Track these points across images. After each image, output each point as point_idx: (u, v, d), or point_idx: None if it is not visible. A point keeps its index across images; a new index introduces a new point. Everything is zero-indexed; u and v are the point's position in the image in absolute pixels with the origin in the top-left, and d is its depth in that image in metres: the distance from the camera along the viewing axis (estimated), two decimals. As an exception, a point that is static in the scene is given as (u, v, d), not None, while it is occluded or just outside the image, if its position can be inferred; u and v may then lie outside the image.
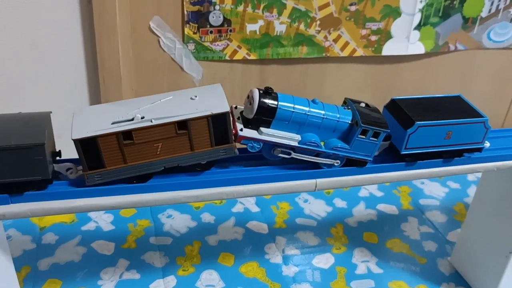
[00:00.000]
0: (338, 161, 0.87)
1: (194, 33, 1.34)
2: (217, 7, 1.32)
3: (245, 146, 0.83)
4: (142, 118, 0.75)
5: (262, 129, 0.82)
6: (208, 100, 0.79)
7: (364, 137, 0.85)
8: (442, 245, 1.31)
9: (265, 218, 1.37)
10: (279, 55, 1.43)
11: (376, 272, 1.20)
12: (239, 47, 1.39)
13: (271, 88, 0.82)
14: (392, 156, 0.92)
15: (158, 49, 1.33)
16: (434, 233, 1.35)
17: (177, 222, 1.33)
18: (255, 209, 1.41)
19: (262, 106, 0.80)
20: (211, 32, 1.35)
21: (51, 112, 0.80)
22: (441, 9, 1.50)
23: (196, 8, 1.31)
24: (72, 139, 0.73)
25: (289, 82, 1.50)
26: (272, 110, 0.81)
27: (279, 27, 1.39)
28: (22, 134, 0.73)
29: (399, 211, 1.44)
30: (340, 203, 1.46)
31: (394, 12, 1.46)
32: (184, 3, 1.29)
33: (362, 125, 0.83)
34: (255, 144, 0.83)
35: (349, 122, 0.86)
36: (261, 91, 0.81)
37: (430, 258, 1.26)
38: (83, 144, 0.73)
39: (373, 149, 0.87)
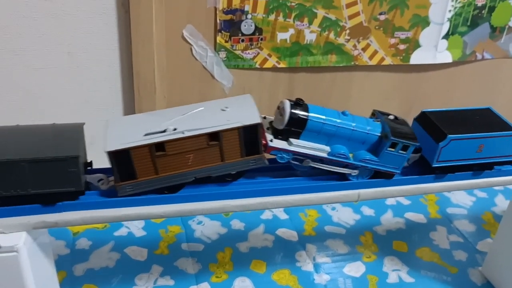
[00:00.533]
0: (356, 171, 0.87)
1: (226, 41, 1.35)
2: (249, 16, 1.33)
3: (273, 157, 0.84)
4: (174, 129, 0.76)
5: (292, 140, 0.83)
6: (239, 111, 0.80)
7: (393, 150, 0.85)
8: (472, 254, 1.31)
9: (294, 226, 1.38)
10: (308, 64, 1.44)
11: (407, 281, 1.20)
12: (269, 55, 1.40)
13: (302, 100, 0.83)
14: (423, 169, 0.92)
15: (190, 57, 1.34)
16: (464, 242, 1.35)
17: (208, 228, 1.34)
18: (283, 216, 1.42)
19: (293, 118, 0.81)
20: (242, 40, 1.36)
21: (84, 123, 0.81)
22: (469, 19, 1.50)
23: (228, 17, 1.32)
24: (106, 152, 0.74)
25: (317, 90, 1.51)
26: (303, 122, 0.81)
27: (309, 36, 1.40)
28: (56, 145, 0.74)
29: (427, 219, 1.44)
30: (367, 211, 1.46)
31: (423, 22, 1.46)
32: (217, 12, 1.30)
33: (392, 138, 0.84)
34: (285, 155, 0.83)
35: (379, 134, 0.86)
36: (292, 103, 0.82)
37: (461, 268, 1.26)
38: (116, 156, 0.74)
39: (401, 162, 0.87)
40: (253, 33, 1.36)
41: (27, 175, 0.72)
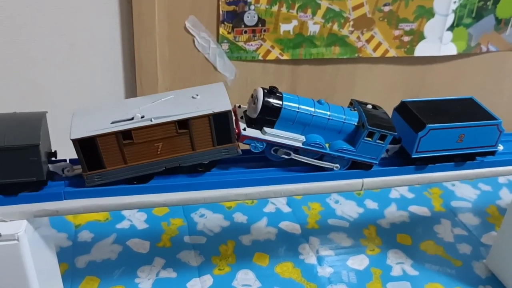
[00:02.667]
0: (337, 165, 0.85)
1: (229, 33, 1.34)
2: (252, 7, 1.32)
3: (247, 147, 0.82)
4: (142, 117, 0.74)
5: (265, 129, 0.81)
6: (210, 99, 0.78)
7: (370, 139, 0.83)
8: (476, 247, 1.29)
9: (297, 219, 1.37)
10: (311, 56, 1.43)
11: (411, 274, 1.19)
12: (272, 47, 1.39)
13: (276, 88, 0.81)
14: (403, 160, 0.90)
15: (192, 49, 1.34)
16: (468, 235, 1.34)
17: (210, 221, 1.34)
18: (286, 209, 1.41)
19: (266, 106, 0.79)
20: (245, 32, 1.35)
21: (46, 112, 0.79)
22: (474, 10, 1.49)
23: (231, 8, 1.31)
24: (71, 139, 0.72)
25: (321, 82, 1.50)
26: (277, 110, 0.80)
27: (313, 27, 1.39)
28: (16, 134, 0.71)
29: (431, 213, 1.43)
30: (371, 204, 1.45)
31: (427, 13, 1.45)
32: (220, 3, 1.29)
33: (369, 127, 0.82)
34: (258, 144, 0.81)
35: (355, 124, 0.84)
36: (265, 90, 0.80)
37: (465, 261, 1.25)
38: (82, 144, 0.72)
39: (379, 152, 0.85)
40: (256, 25, 1.35)
41: None
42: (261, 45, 1.38)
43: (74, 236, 1.25)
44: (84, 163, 0.74)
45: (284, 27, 1.37)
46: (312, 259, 1.23)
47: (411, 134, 0.87)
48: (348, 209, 1.43)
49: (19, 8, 1.15)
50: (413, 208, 1.44)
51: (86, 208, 0.76)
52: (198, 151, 0.78)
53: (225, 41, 1.35)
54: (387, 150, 0.91)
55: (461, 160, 0.91)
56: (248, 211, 1.39)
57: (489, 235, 1.34)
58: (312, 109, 0.82)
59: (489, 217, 1.42)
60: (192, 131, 0.75)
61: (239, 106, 0.85)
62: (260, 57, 1.40)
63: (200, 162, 0.80)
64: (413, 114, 0.88)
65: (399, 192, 1.51)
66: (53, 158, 0.80)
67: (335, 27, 1.41)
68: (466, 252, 1.28)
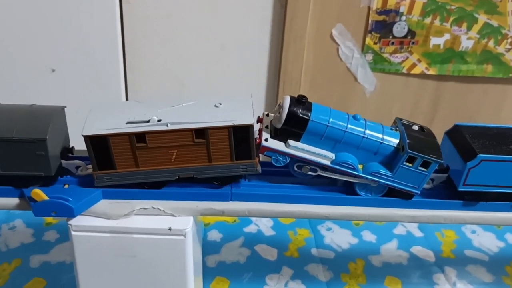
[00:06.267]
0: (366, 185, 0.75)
1: (375, 43, 1.29)
2: (403, 17, 1.26)
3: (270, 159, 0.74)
4: (159, 121, 0.69)
5: (290, 141, 0.73)
6: (233, 109, 0.72)
7: (410, 165, 0.72)
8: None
9: (430, 245, 1.28)
10: (460, 72, 1.34)
11: None
12: (419, 60, 1.32)
13: (305, 97, 0.72)
14: (449, 192, 0.77)
15: (335, 57, 1.30)
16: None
17: (337, 236, 1.29)
18: (418, 233, 1.32)
19: (291, 116, 0.71)
20: (392, 43, 1.29)
21: (65, 106, 0.76)
22: None
23: (381, 17, 1.26)
24: (82, 135, 0.69)
25: (466, 102, 1.40)
26: (303, 122, 0.71)
27: (466, 43, 1.30)
28: (26, 127, 0.69)
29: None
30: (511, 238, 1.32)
31: None
32: (370, 12, 1.25)
33: (409, 151, 0.71)
34: (281, 158, 0.73)
35: (395, 146, 0.73)
36: (293, 99, 0.72)
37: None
38: (93, 141, 0.69)
39: (421, 180, 0.73)
40: (405, 36, 1.29)
41: None
42: (407, 57, 1.32)
43: (204, 234, 1.26)
44: (95, 162, 0.71)
45: (435, 41, 1.30)
46: (448, 292, 1.13)
47: (460, 163, 0.74)
48: (487, 242, 1.31)
49: (175, 9, 1.18)
50: None
51: (250, 212, 0.75)
52: (214, 164, 0.72)
53: (370, 51, 1.30)
54: (432, 180, 0.80)
55: None
56: (377, 230, 1.32)
57: (498, 298, 1.13)
58: (345, 125, 0.73)
59: (506, 276, 1.19)
60: (210, 141, 0.70)
61: (267, 114, 0.78)
62: (404, 70, 1.33)
63: (215, 176, 0.74)
64: (465, 141, 0.75)
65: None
66: (70, 155, 0.78)
67: (491, 43, 1.30)
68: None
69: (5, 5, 1.11)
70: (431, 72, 1.33)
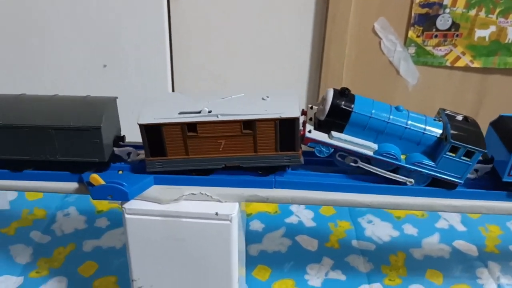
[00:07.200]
0: (412, 180, 0.76)
1: (418, 36, 1.29)
2: (447, 10, 1.25)
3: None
4: (210, 112, 0.73)
5: (333, 133, 0.75)
6: (279, 103, 0.75)
7: (453, 155, 0.72)
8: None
9: (473, 239, 1.27)
10: (506, 65, 1.31)
11: None
12: (463, 53, 1.31)
13: (348, 89, 0.73)
14: (493, 183, 0.76)
15: (377, 51, 1.31)
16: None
17: (378, 229, 1.29)
18: (461, 227, 1.31)
19: (335, 108, 0.73)
20: (435, 36, 1.29)
21: (117, 97, 0.81)
22: None
23: (424, 10, 1.25)
24: (138, 124, 0.73)
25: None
26: (346, 113, 0.73)
27: (512, 35, 1.28)
28: (82, 116, 0.75)
29: None
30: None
31: None
32: (413, 5, 1.25)
33: (452, 141, 0.71)
34: (324, 149, 0.75)
35: (438, 136, 0.74)
36: (336, 91, 0.73)
37: None
38: (148, 130, 0.74)
39: (464, 170, 0.73)
40: (449, 29, 1.28)
41: (55, 142, 0.75)
42: (451, 50, 1.30)
43: (246, 224, 1.30)
44: (148, 149, 0.76)
45: (480, 33, 1.28)
46: (492, 286, 1.12)
47: (504, 153, 0.74)
48: (533, 238, 1.28)
49: (211, 11, 1.22)
50: None
51: (293, 199, 0.78)
52: (259, 154, 0.76)
53: (413, 44, 1.30)
54: (476, 170, 0.79)
55: None
56: (419, 223, 1.32)
57: None
58: (387, 116, 0.74)
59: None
60: (257, 133, 0.74)
61: (311, 107, 0.81)
62: (447, 63, 1.32)
63: (260, 165, 0.77)
64: (510, 131, 0.75)
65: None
66: (121, 143, 0.84)
67: (539, 35, 1.28)
68: None
69: (60, 10, 1.18)
70: (476, 65, 1.32)
